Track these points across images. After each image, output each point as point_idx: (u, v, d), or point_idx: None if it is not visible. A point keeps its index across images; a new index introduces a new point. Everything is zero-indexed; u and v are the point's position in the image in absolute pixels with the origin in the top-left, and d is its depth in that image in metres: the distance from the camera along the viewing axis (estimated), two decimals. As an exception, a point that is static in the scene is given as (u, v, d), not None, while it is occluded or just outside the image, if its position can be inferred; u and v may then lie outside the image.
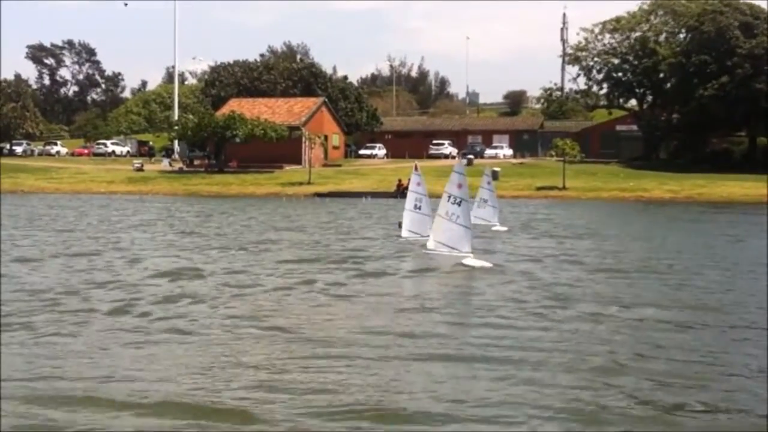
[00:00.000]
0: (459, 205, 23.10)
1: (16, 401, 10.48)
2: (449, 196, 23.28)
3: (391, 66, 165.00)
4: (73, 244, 29.45)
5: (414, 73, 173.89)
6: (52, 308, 16.53)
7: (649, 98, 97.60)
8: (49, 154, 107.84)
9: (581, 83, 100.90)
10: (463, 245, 23.06)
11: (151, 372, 11.89)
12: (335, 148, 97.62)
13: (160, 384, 11.26)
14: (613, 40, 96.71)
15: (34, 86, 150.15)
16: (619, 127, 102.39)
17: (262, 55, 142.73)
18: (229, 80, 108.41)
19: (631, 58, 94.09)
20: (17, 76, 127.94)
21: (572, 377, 11.60)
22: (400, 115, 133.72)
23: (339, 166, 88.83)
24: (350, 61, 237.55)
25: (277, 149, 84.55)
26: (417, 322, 15.59)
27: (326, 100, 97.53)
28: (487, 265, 22.54)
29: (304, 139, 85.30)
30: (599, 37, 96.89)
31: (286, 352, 13.11)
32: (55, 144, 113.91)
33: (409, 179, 29.51)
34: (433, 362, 12.51)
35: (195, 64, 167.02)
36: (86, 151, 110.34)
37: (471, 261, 22.68)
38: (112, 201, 61.85)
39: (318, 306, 17.28)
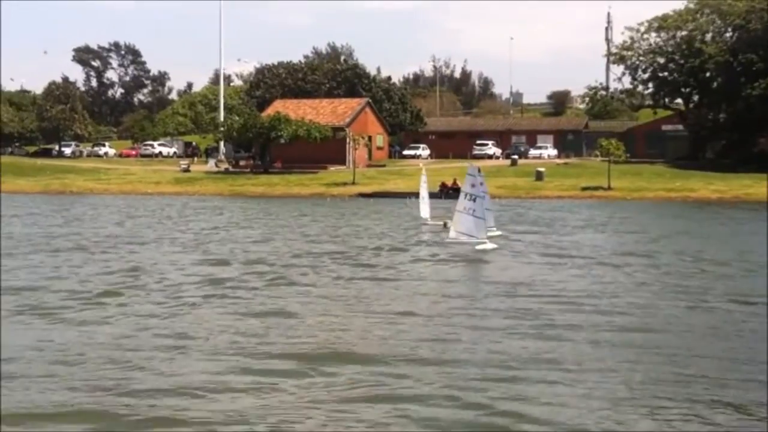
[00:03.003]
0: (474, 201, 27.49)
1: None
2: (465, 194, 27.84)
3: (434, 66, 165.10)
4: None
5: (457, 74, 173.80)
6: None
7: (696, 98, 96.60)
8: (98, 156, 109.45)
9: (626, 83, 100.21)
10: (480, 233, 27.54)
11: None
12: (379, 148, 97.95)
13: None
14: (658, 39, 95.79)
15: (82, 88, 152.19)
16: (664, 127, 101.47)
17: (306, 57, 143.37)
18: (274, 81, 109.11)
19: (677, 57, 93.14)
20: (65, 79, 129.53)
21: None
22: (444, 116, 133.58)
23: (383, 166, 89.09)
24: (391, 61, 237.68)
25: (322, 150, 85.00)
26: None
27: (370, 100, 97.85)
28: (494, 246, 27.87)
29: (348, 139, 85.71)
30: (645, 36, 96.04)
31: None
32: (104, 145, 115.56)
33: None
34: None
35: (240, 66, 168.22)
36: (134, 152, 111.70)
37: (483, 246, 27.46)
38: (191, 201, 62.80)
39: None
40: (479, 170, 29.41)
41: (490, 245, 27.80)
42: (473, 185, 27.69)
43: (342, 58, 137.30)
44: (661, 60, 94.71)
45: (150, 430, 10.04)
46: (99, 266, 24.22)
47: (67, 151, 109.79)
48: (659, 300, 18.76)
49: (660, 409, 10.58)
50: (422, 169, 41.72)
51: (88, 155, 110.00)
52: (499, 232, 32.96)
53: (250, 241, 32.34)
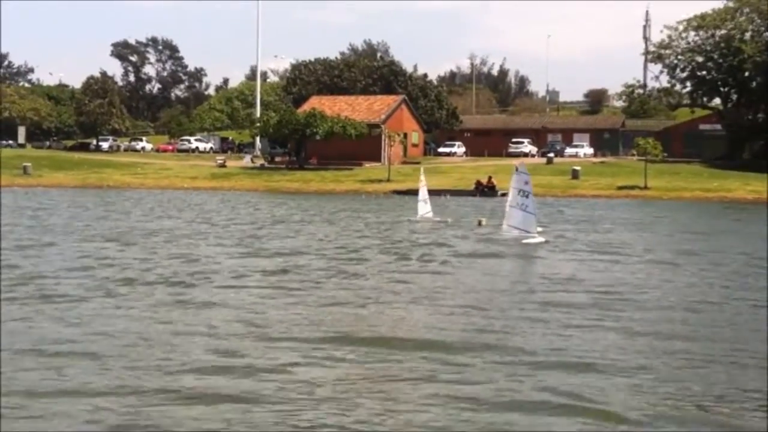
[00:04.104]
0: (526, 197, 29.20)
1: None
2: (518, 191, 29.51)
3: (471, 64, 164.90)
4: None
5: (494, 72, 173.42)
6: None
7: (734, 97, 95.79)
8: (135, 150, 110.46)
9: (664, 81, 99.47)
10: (531, 227, 29.22)
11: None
12: (414, 145, 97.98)
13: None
14: (697, 38, 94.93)
15: (120, 83, 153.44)
16: (702, 127, 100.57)
17: (342, 54, 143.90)
18: (310, 78, 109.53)
19: (715, 56, 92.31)
20: (103, 74, 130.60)
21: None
22: (480, 113, 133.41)
23: (418, 163, 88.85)
24: (428, 59, 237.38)
25: (357, 147, 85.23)
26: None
27: (406, 98, 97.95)
28: (542, 240, 29.12)
29: (383, 136, 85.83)
30: (683, 34, 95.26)
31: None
32: (141, 140, 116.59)
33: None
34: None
35: (276, 62, 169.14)
36: (170, 147, 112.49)
37: (531, 240, 28.77)
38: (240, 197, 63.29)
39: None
40: (517, 169, 30.39)
41: (538, 239, 29.03)
42: (526, 182, 29.46)
43: (378, 55, 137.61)
44: (700, 59, 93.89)
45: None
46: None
47: (105, 145, 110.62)
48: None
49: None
50: (421, 171, 41.52)
51: (126, 150, 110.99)
52: (540, 229, 33.07)
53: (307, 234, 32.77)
